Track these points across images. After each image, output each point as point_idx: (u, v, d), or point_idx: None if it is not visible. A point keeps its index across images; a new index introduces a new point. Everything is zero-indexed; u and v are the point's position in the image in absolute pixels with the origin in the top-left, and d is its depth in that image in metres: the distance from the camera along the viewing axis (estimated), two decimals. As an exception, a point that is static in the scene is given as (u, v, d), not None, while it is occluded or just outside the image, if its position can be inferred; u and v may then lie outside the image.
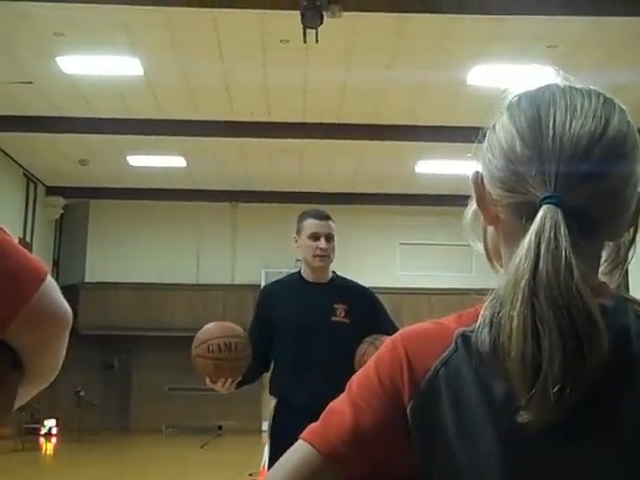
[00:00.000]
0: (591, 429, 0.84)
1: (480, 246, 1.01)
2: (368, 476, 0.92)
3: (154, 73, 9.34)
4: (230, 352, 3.27)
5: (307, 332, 3.54)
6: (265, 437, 3.75)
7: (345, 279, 3.85)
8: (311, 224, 3.64)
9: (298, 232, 3.69)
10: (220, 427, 14.95)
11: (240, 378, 3.37)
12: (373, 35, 8.28)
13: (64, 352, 1.04)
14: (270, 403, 3.67)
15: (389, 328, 3.68)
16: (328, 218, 3.68)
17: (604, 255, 0.95)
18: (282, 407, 3.56)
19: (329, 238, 3.64)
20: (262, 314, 3.64)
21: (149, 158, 12.88)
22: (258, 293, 3.90)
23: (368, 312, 3.65)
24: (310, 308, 3.57)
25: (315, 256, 3.60)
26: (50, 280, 0.98)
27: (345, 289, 3.71)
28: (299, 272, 3.75)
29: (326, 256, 3.62)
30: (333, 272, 3.75)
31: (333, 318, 3.58)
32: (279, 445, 3.45)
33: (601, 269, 0.95)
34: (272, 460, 3.50)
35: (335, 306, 3.61)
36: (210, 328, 3.37)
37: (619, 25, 7.77)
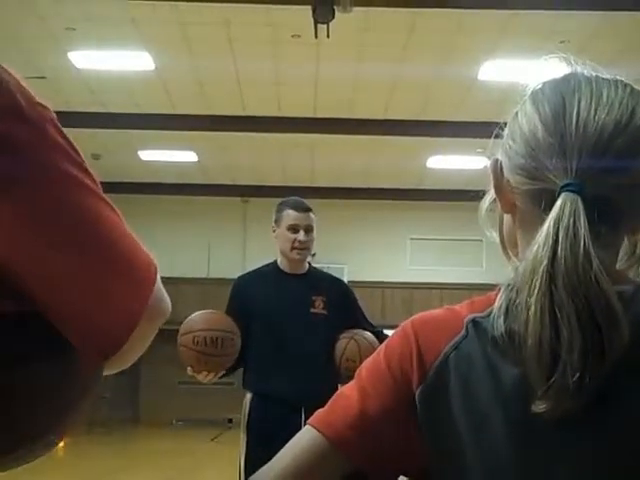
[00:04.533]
0: (604, 416, 0.83)
1: (495, 235, 1.01)
2: (375, 461, 0.93)
3: (165, 68, 9.35)
4: (216, 348, 3.17)
5: (286, 324, 3.46)
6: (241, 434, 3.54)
7: (320, 271, 3.81)
8: (290, 215, 3.56)
9: (277, 222, 3.61)
10: (230, 420, 14.97)
11: (223, 372, 3.29)
12: (384, 30, 8.26)
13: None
14: (245, 397, 3.54)
15: (364, 322, 3.67)
16: (308, 210, 3.60)
17: (620, 252, 0.94)
18: (259, 401, 3.45)
19: (308, 230, 3.57)
20: (238, 305, 3.51)
21: (160, 153, 12.90)
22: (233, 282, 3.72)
23: (344, 304, 3.62)
24: (289, 300, 3.50)
25: (293, 248, 3.54)
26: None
27: (321, 280, 3.67)
28: (275, 263, 3.67)
29: (305, 249, 3.56)
30: (308, 263, 3.71)
31: (312, 310, 3.53)
32: (257, 441, 3.35)
33: (617, 266, 0.94)
34: (250, 457, 3.38)
35: (313, 298, 3.56)
36: (197, 318, 3.28)
37: (631, 19, 7.73)
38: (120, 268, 0.84)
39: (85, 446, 12.11)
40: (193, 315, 3.33)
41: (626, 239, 0.93)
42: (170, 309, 0.92)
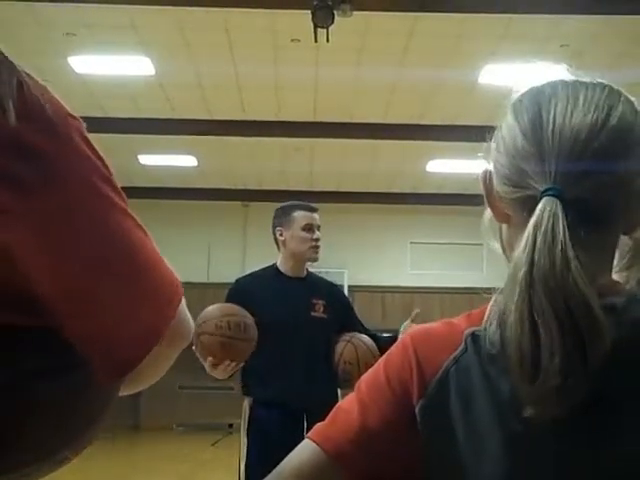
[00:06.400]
0: (597, 421, 0.83)
1: (497, 246, 1.01)
2: (374, 475, 0.92)
3: (165, 73, 9.35)
4: (239, 331, 3.14)
5: (288, 328, 3.45)
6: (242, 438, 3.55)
7: (317, 275, 3.83)
8: (304, 216, 3.59)
9: (284, 225, 3.61)
10: (230, 425, 14.95)
11: (243, 363, 3.25)
12: (384, 34, 8.27)
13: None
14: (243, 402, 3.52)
15: (359, 326, 3.69)
16: (316, 210, 3.67)
17: (622, 250, 0.93)
18: (260, 405, 3.44)
19: (319, 229, 3.63)
20: None
21: (160, 157, 12.90)
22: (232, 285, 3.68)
23: (341, 309, 3.64)
24: (290, 303, 3.51)
25: (312, 247, 3.57)
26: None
27: (320, 285, 3.69)
28: (274, 266, 3.67)
29: (319, 247, 3.61)
30: (306, 268, 3.72)
31: (312, 313, 3.54)
32: (258, 445, 3.34)
33: (620, 265, 0.94)
34: (251, 463, 3.38)
35: (314, 301, 3.57)
36: (217, 307, 3.25)
37: (631, 23, 7.73)
38: (145, 285, 0.82)
39: (86, 451, 12.08)
40: (208, 308, 3.27)
41: (625, 240, 0.93)
42: (192, 332, 0.90)
